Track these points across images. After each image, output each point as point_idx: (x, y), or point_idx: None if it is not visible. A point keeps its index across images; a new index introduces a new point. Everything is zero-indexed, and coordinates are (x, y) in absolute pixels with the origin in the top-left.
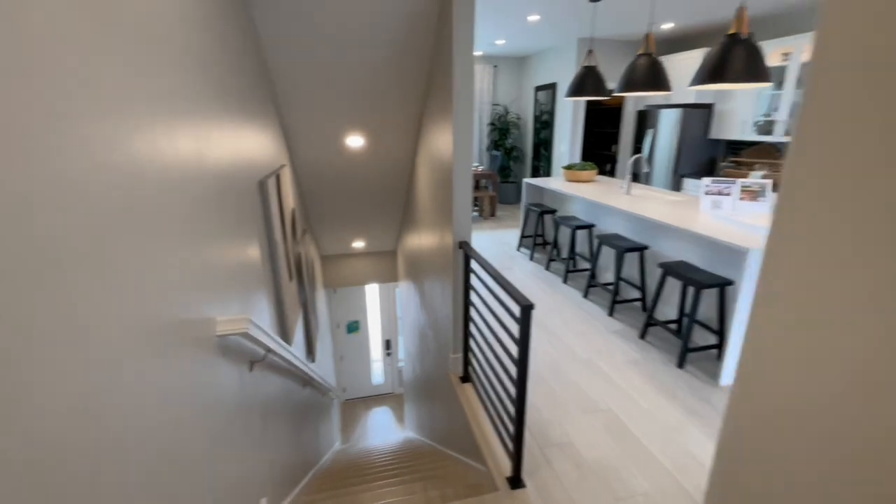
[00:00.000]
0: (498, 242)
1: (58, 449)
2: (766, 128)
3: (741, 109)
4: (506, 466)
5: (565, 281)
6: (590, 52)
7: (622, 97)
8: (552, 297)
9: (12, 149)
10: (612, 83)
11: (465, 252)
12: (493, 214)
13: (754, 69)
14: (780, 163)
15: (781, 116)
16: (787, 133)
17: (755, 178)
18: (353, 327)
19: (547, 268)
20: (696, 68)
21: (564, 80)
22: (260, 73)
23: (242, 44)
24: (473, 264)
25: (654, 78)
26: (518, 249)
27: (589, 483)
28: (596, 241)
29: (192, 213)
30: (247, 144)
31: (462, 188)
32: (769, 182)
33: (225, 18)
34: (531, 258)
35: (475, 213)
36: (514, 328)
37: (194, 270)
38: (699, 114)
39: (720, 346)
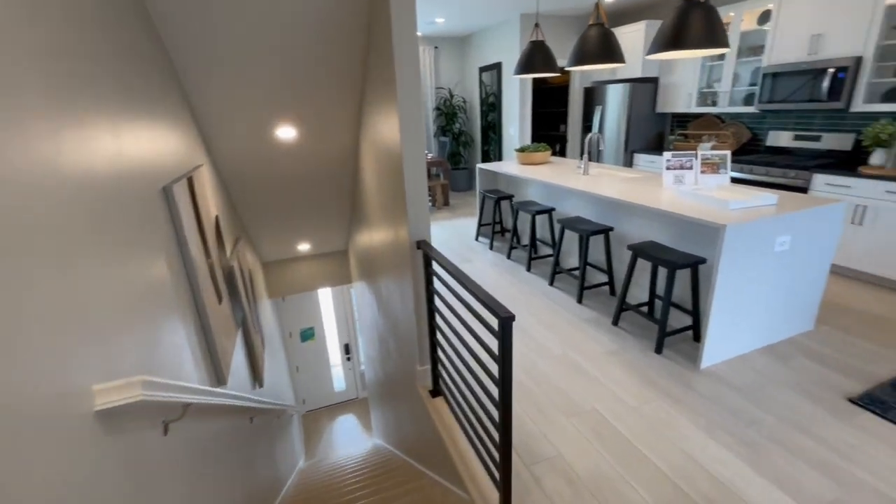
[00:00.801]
0: (455, 233)
1: None
2: (710, 99)
3: (685, 82)
4: (492, 496)
5: (529, 269)
6: (536, 25)
7: (567, 76)
8: (518, 289)
9: None
10: (560, 60)
11: (426, 253)
12: (446, 203)
13: (713, 34)
14: (726, 133)
15: (723, 87)
16: (730, 103)
17: (704, 149)
18: (308, 335)
19: (509, 256)
20: (642, 40)
21: (509, 59)
22: (152, 54)
23: (120, 18)
24: (436, 266)
25: (607, 49)
26: (476, 239)
27: (585, 502)
28: (558, 226)
29: (54, 233)
30: (141, 144)
31: (415, 181)
32: (728, 153)
33: None
34: (491, 247)
35: (429, 204)
36: (490, 339)
37: (59, 310)
38: (645, 88)
39: (696, 327)
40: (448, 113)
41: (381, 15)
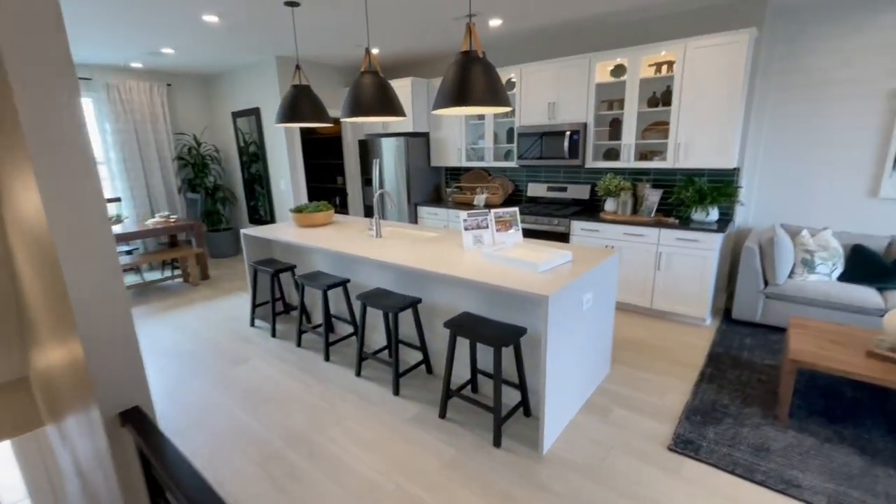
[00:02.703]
0: (222, 319)
1: None
2: (478, 154)
3: (453, 137)
4: None
5: (327, 358)
6: (297, 68)
7: (339, 126)
8: (317, 392)
9: None
10: (329, 110)
11: (141, 438)
12: (205, 277)
13: (497, 93)
14: (495, 185)
15: (487, 144)
16: (494, 158)
17: (479, 200)
18: None
19: (299, 344)
20: (409, 96)
21: (270, 105)
22: None
23: None
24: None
25: (386, 101)
26: (252, 324)
27: None
28: (358, 302)
29: None
30: None
31: (99, 298)
32: (516, 210)
33: None
34: (273, 333)
35: (179, 280)
36: None
37: None
38: (419, 142)
39: (525, 402)
40: (196, 164)
41: None
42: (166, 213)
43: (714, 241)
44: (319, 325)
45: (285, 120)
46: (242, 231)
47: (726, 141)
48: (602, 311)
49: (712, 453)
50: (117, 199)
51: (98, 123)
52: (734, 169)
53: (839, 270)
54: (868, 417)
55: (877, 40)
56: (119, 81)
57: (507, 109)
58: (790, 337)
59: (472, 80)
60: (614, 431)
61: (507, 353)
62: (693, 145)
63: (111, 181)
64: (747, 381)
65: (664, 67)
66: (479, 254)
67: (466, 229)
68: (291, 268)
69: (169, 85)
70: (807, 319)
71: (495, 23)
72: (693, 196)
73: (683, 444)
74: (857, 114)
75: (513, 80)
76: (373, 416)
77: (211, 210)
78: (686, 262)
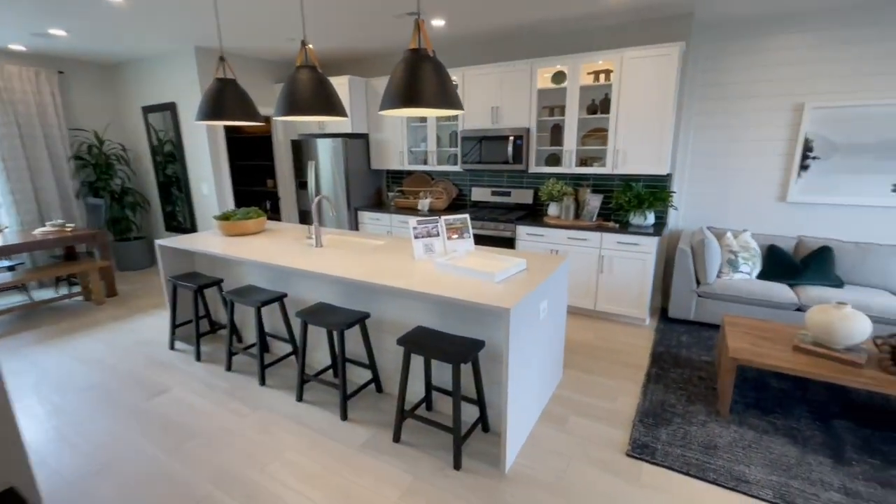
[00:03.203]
0: (134, 342)
1: None
2: (421, 157)
3: (395, 140)
4: None
5: (263, 382)
6: (221, 59)
7: (268, 125)
8: (253, 422)
9: None
10: (260, 107)
11: None
12: (112, 294)
13: (448, 95)
14: (439, 189)
15: (430, 147)
16: (438, 162)
17: (424, 205)
18: None
19: (229, 367)
20: (346, 95)
21: (188, 100)
22: None
23: None
24: None
25: (326, 99)
26: (172, 347)
27: None
28: (297, 320)
29: None
30: None
31: None
32: (466, 216)
33: None
34: (198, 357)
35: (79, 299)
36: None
37: None
38: (358, 144)
39: (484, 418)
40: (98, 164)
41: None
42: (60, 221)
43: (652, 244)
44: (253, 346)
45: (208, 117)
46: (157, 242)
47: (660, 148)
48: (556, 318)
49: (667, 455)
50: None
51: None
52: (667, 175)
53: (758, 269)
54: (795, 407)
55: (785, 58)
56: None
57: (460, 112)
58: (727, 335)
59: (422, 80)
60: (573, 441)
61: (465, 367)
62: (630, 152)
63: None
64: (689, 379)
65: (602, 76)
66: (432, 263)
67: (417, 237)
68: (218, 282)
69: (61, 72)
70: (738, 317)
71: (438, 23)
72: (632, 201)
73: (640, 449)
74: (768, 126)
75: (455, 82)
76: (319, 445)
77: (118, 217)
78: (626, 264)
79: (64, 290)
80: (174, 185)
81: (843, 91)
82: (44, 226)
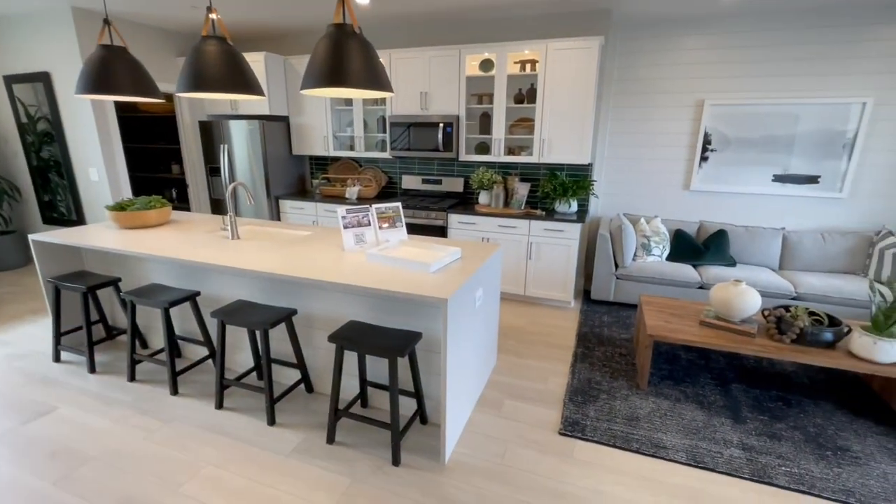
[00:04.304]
0: (5, 356)
1: None
2: (348, 143)
3: (318, 124)
4: None
5: (175, 391)
6: (106, 22)
7: (171, 103)
8: (164, 436)
9: None
10: (161, 84)
11: None
12: None
13: (376, 74)
14: (368, 177)
15: (357, 133)
16: (366, 148)
17: (352, 193)
18: None
19: (132, 378)
20: (262, 73)
21: (66, 70)
22: None
23: None
24: None
25: (238, 75)
26: (58, 359)
27: None
28: (214, 320)
29: None
30: None
31: None
32: (398, 205)
33: None
34: (92, 368)
35: None
36: None
37: None
38: (277, 127)
39: (421, 410)
40: None
41: None
42: None
43: (576, 231)
44: (161, 351)
45: (92, 90)
46: (31, 237)
47: (582, 138)
48: (490, 306)
49: (596, 431)
50: None
51: None
52: (588, 164)
53: (667, 252)
54: (700, 375)
55: (687, 58)
56: None
57: (389, 95)
58: (645, 314)
59: (348, 58)
60: (508, 425)
61: (402, 360)
62: (555, 141)
63: None
64: (611, 356)
65: (528, 66)
66: (363, 254)
67: (346, 227)
68: (114, 281)
69: None
70: (653, 297)
71: (363, 2)
72: (557, 189)
73: (571, 427)
74: (673, 119)
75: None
76: (244, 456)
77: None
78: (553, 251)
79: None
80: (52, 171)
81: (736, 90)
82: None
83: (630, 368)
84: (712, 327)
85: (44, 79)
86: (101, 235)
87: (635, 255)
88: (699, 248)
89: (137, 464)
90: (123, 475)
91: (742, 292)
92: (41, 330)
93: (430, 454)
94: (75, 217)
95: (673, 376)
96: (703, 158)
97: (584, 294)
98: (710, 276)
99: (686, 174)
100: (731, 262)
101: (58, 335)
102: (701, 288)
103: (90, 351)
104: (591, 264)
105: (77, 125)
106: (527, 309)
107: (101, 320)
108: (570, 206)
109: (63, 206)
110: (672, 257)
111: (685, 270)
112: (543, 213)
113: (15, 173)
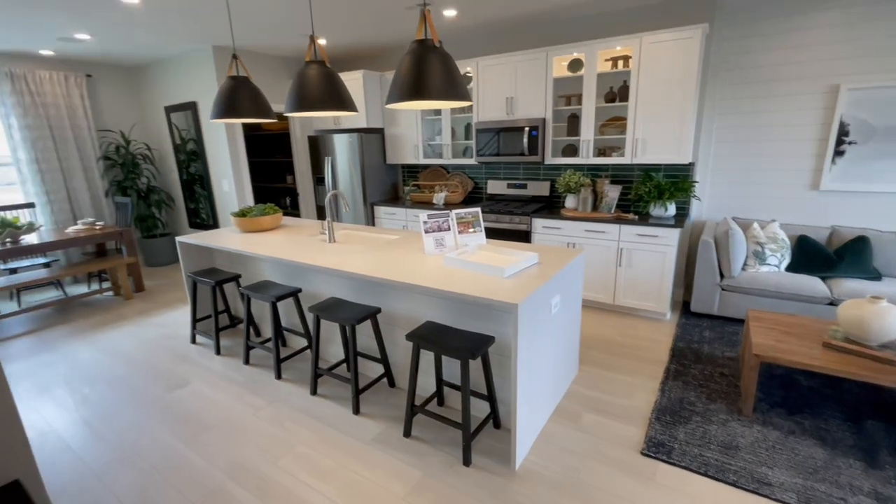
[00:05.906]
0: (158, 336)
1: None
2: (436, 151)
3: (410, 134)
4: None
5: (279, 376)
6: (234, 57)
7: (286, 121)
8: (268, 415)
9: None
10: (274, 105)
11: None
12: (139, 289)
13: (455, 86)
14: (454, 183)
15: (445, 140)
16: (453, 155)
17: (439, 199)
18: None
19: (247, 361)
20: (361, 90)
21: (208, 99)
22: None
23: None
24: None
25: (335, 95)
26: (194, 341)
27: None
28: (311, 315)
29: None
30: None
31: None
32: (478, 210)
33: None
34: (218, 350)
35: (109, 294)
36: None
37: None
38: (374, 138)
39: (495, 414)
40: (125, 164)
41: None
42: (90, 219)
43: (673, 236)
44: (269, 340)
45: (222, 115)
46: (177, 239)
47: (681, 136)
48: (570, 313)
49: (684, 455)
50: (29, 205)
51: (2, 119)
52: (689, 164)
53: (787, 261)
54: (824, 407)
55: (817, 38)
56: (26, 70)
57: (468, 104)
58: (751, 331)
59: (428, 71)
60: (586, 439)
61: (475, 363)
62: (650, 141)
63: (22, 185)
64: (710, 376)
65: (620, 62)
66: (442, 258)
67: (427, 232)
68: (236, 277)
69: (89, 76)
70: (763, 312)
71: (450, 13)
72: (652, 192)
73: (656, 448)
74: (799, 109)
75: (469, 74)
76: (331, 440)
77: (145, 215)
78: (646, 257)
79: (95, 286)
80: (197, 183)
81: (883, 71)
82: (76, 224)
83: (732, 391)
84: (839, 351)
85: (192, 107)
86: (226, 238)
87: (746, 264)
88: (831, 257)
89: (245, 435)
90: (234, 444)
91: (882, 311)
92: (184, 316)
93: (500, 459)
94: (212, 222)
95: (786, 404)
96: (838, 153)
97: (683, 306)
98: (845, 290)
99: (814, 172)
100: (876, 275)
101: (194, 321)
102: (831, 304)
103: (217, 336)
104: (692, 273)
105: (214, 144)
106: (616, 319)
107: (226, 310)
108: (666, 210)
109: (204, 213)
110: (793, 267)
111: (811, 283)
112: (636, 216)
113: (170, 186)
